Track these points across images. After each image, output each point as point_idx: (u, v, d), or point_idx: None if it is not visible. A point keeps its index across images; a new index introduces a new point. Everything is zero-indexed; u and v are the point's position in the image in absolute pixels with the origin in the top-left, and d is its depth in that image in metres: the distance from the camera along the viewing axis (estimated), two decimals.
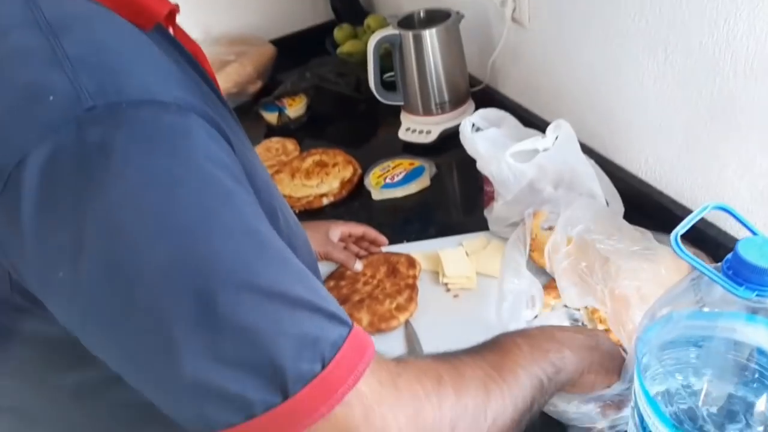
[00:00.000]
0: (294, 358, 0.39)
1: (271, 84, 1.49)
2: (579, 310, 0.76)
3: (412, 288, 0.85)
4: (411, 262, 0.89)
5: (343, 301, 0.85)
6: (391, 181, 1.09)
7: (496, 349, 0.53)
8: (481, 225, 0.96)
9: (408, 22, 1.21)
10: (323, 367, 0.40)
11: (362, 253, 0.95)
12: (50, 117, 0.36)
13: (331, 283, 0.90)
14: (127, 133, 0.37)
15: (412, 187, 1.08)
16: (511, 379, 0.50)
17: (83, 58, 0.38)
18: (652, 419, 0.48)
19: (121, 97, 0.37)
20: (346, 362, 0.42)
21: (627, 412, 0.59)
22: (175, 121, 0.39)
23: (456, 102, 1.21)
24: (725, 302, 0.47)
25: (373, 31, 1.26)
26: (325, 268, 0.93)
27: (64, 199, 0.36)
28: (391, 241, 0.96)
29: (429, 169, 1.11)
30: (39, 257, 0.38)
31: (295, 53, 1.54)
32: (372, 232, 0.94)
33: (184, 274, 0.37)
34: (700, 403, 0.47)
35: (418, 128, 1.22)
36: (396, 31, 1.16)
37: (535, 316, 0.76)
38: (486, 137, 0.91)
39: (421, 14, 1.23)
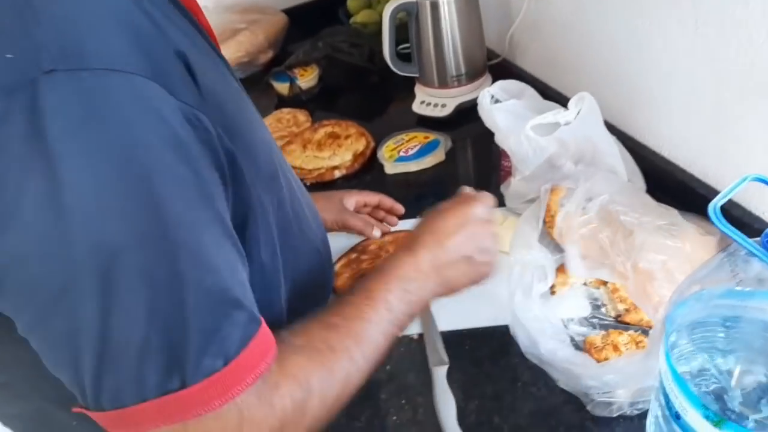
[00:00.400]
0: (200, 351, 0.40)
1: (282, 54, 1.46)
2: (599, 288, 0.74)
3: None
4: None
5: (361, 274, 0.84)
6: (405, 154, 1.06)
7: (364, 313, 0.53)
8: (497, 201, 0.93)
9: None
10: (225, 364, 0.41)
11: (385, 228, 0.91)
12: (6, 77, 0.34)
13: (353, 256, 0.88)
14: (84, 105, 0.35)
15: (427, 161, 1.06)
16: (369, 350, 0.52)
17: (48, 9, 0.36)
18: (679, 399, 0.47)
19: (82, 64, 0.35)
20: (247, 363, 0.42)
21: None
22: (135, 95, 0.37)
23: (473, 75, 1.18)
24: (761, 281, 0.45)
25: (387, 1, 1.22)
26: (345, 240, 0.91)
27: (8, 164, 0.35)
28: (405, 216, 0.94)
29: (444, 143, 1.09)
30: None
31: (307, 23, 1.50)
32: (388, 201, 0.92)
33: (114, 257, 0.36)
34: (731, 385, 0.46)
35: (433, 101, 1.19)
36: None
37: (552, 293, 0.74)
38: (505, 109, 0.88)
39: None
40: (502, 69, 1.21)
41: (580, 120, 0.85)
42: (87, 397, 0.40)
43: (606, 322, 0.71)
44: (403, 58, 1.22)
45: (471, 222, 0.61)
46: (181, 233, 0.39)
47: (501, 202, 0.93)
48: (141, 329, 0.38)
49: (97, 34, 0.37)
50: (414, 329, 0.76)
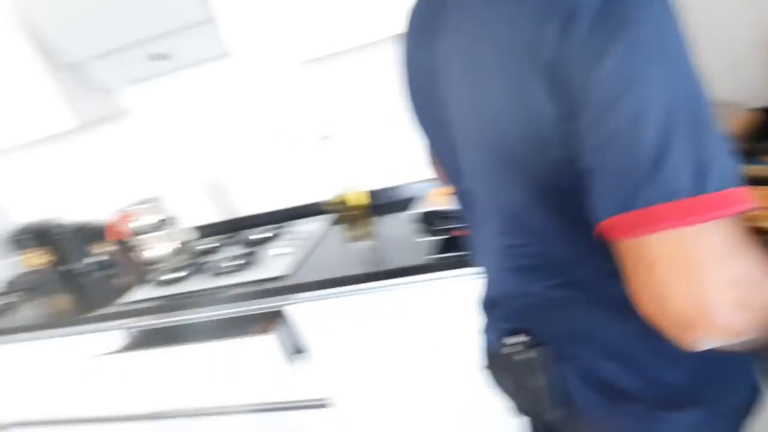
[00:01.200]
0: (713, 168, 0.52)
1: (753, 144, 1.46)
2: None
3: None
4: None
5: None
6: None
7: None
8: None
9: None
10: (729, 185, 0.52)
11: None
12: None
13: None
14: (660, 11, 0.54)
15: None
16: None
17: None
18: None
19: None
20: (740, 192, 0.53)
21: None
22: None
23: None
24: None
25: None
26: None
27: (612, 33, 0.53)
28: None
29: None
30: (595, 71, 0.54)
31: None
32: None
33: (694, 95, 0.53)
34: None
35: None
36: None
37: None
38: None
39: None
40: None
41: None
42: (628, 200, 0.54)
43: None
44: None
45: None
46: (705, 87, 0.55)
47: None
48: (688, 144, 0.52)
49: None
50: None
